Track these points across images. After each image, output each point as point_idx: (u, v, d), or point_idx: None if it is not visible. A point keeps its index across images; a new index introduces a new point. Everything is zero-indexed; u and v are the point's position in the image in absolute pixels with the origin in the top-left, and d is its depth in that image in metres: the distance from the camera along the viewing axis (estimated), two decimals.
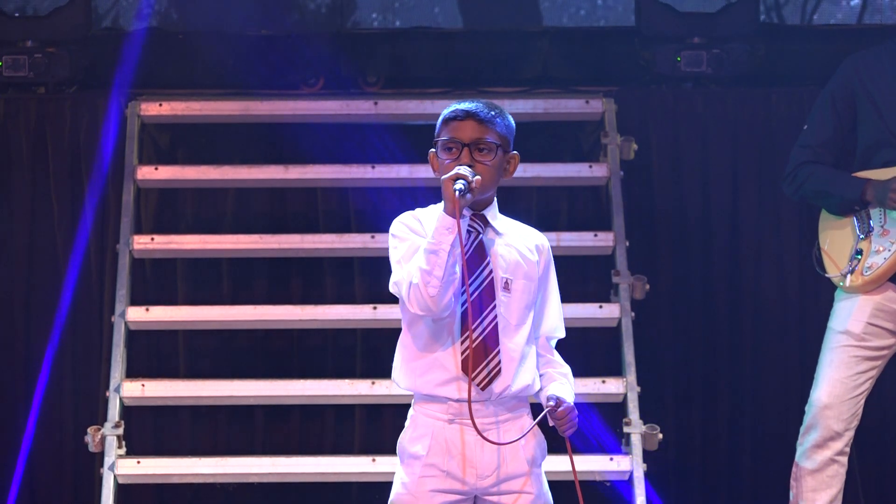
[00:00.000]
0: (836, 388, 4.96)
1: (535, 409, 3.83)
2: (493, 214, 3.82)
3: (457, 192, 3.61)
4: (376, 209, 6.47)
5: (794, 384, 6.28)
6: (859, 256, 5.00)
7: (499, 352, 3.72)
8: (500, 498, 3.75)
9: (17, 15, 6.67)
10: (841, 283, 5.04)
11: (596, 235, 6.19)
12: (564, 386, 3.82)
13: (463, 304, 3.70)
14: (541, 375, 3.84)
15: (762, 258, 6.43)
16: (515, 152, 3.83)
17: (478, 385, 3.69)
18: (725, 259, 6.44)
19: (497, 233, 3.81)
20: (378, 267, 6.39)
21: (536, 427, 3.78)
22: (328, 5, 7.99)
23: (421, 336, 3.73)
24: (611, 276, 6.13)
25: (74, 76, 6.50)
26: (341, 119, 6.43)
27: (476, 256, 3.75)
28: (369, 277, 6.40)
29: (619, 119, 6.37)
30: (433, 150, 3.81)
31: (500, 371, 3.71)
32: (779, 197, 6.25)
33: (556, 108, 6.41)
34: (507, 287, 3.76)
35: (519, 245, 3.82)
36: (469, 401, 3.64)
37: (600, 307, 6.07)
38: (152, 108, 6.37)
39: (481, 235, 3.78)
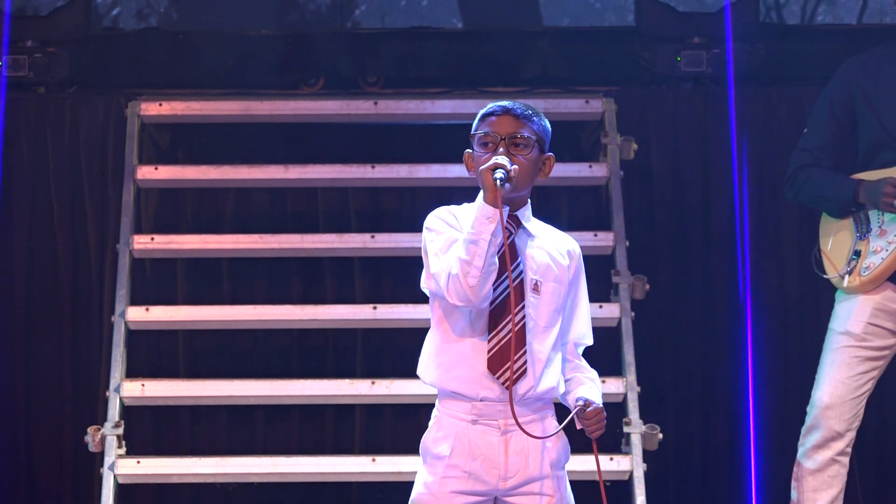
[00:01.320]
0: (838, 388, 4.96)
1: (559, 410, 3.83)
2: (527, 216, 3.82)
3: (497, 181, 3.61)
4: (376, 209, 6.47)
5: (795, 384, 6.28)
6: (857, 257, 5.00)
7: (525, 352, 3.72)
8: (522, 499, 3.75)
9: (29, 14, 6.67)
10: (840, 284, 5.04)
11: (596, 235, 6.19)
12: (592, 389, 3.83)
13: (493, 302, 3.70)
14: (568, 380, 3.84)
15: (762, 258, 6.43)
16: (551, 154, 3.84)
17: (503, 384, 3.69)
18: (725, 259, 6.43)
19: (529, 234, 3.81)
20: (378, 267, 6.40)
21: (561, 430, 3.79)
22: (328, 5, 7.99)
23: (451, 332, 3.73)
24: (611, 276, 6.13)
25: (74, 76, 6.50)
26: (341, 119, 6.43)
27: (509, 256, 3.74)
28: (369, 277, 6.40)
29: (619, 119, 6.37)
30: (468, 150, 3.81)
31: (525, 371, 3.71)
32: (779, 197, 6.25)
33: (556, 108, 6.41)
34: (536, 289, 3.76)
35: (550, 248, 3.82)
36: (511, 399, 3.64)
37: (600, 307, 6.07)
38: (152, 108, 6.37)
39: (514, 236, 3.78)
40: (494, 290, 3.69)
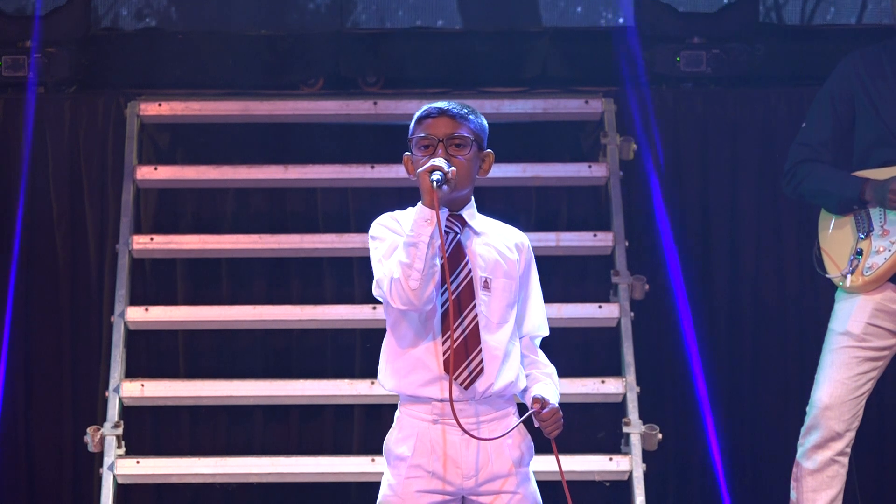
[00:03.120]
0: (837, 388, 4.96)
1: (522, 409, 3.83)
2: (471, 214, 3.84)
3: (433, 183, 3.63)
4: (376, 209, 6.46)
5: (794, 384, 6.27)
6: (859, 256, 4.99)
7: (480, 350, 3.73)
8: (487, 498, 3.76)
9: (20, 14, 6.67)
10: (841, 284, 5.03)
11: (595, 235, 6.19)
12: (549, 386, 3.83)
13: (444, 304, 3.71)
14: (527, 375, 3.84)
15: (762, 258, 6.43)
16: (490, 150, 3.85)
17: (461, 384, 3.70)
18: (725, 259, 6.43)
19: (476, 232, 3.82)
20: None
21: (523, 427, 3.79)
22: (328, 5, 7.98)
23: (404, 337, 3.76)
24: (610, 276, 6.13)
25: (74, 76, 6.50)
26: (341, 119, 6.43)
27: (454, 256, 3.75)
28: (369, 277, 6.33)
29: (619, 119, 6.37)
30: (407, 153, 3.83)
31: (482, 370, 3.72)
32: (779, 197, 6.25)
33: (555, 109, 6.41)
34: (486, 286, 3.77)
35: (498, 244, 3.84)
36: (451, 399, 3.65)
37: (600, 307, 6.07)
38: (152, 108, 6.37)
39: (459, 235, 3.79)
40: (442, 292, 3.71)
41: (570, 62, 6.67)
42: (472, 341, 3.72)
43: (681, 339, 6.37)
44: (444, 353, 3.71)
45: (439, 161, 3.68)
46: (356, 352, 6.35)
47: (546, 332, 3.92)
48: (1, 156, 6.36)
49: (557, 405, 3.74)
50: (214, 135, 6.54)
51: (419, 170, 3.69)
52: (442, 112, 3.78)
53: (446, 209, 3.73)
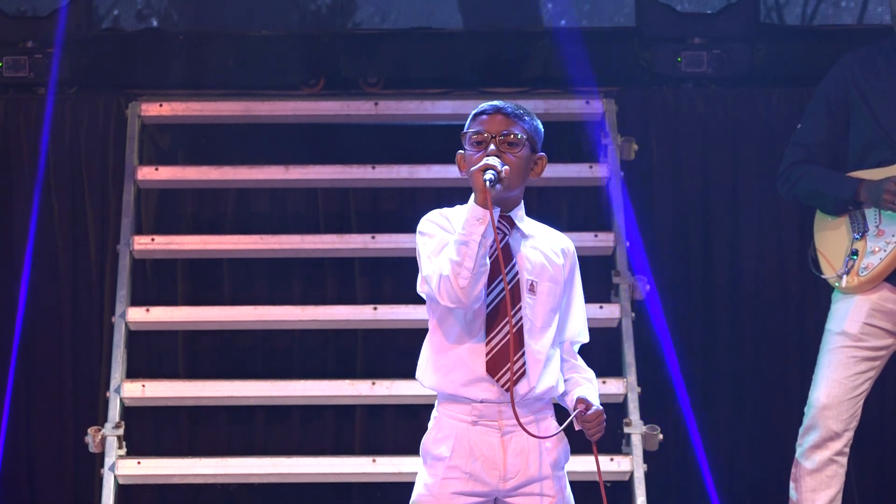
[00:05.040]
0: (835, 388, 4.96)
1: (559, 411, 3.83)
2: (520, 216, 3.81)
3: (487, 182, 3.60)
4: (377, 210, 6.47)
5: (794, 384, 6.27)
6: (855, 257, 4.99)
7: (523, 353, 3.72)
8: (522, 500, 3.75)
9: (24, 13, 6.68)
10: (837, 284, 5.03)
11: (596, 236, 6.19)
12: (590, 389, 3.83)
13: (489, 305, 3.70)
14: (566, 380, 3.84)
15: (762, 258, 6.43)
16: (543, 153, 3.82)
17: (502, 386, 3.69)
18: (725, 259, 6.43)
19: (524, 235, 3.80)
20: (379, 267, 6.40)
21: (561, 431, 3.79)
22: (328, 5, 7.99)
23: (449, 335, 3.73)
24: (611, 276, 6.13)
25: (74, 76, 6.50)
26: (342, 119, 6.43)
27: (503, 258, 3.74)
28: (370, 278, 6.40)
29: (620, 119, 6.37)
30: (461, 151, 3.81)
31: (524, 373, 3.71)
32: (779, 197, 6.24)
33: (556, 109, 6.41)
34: (532, 289, 3.76)
35: (545, 248, 3.82)
36: (512, 397, 3.64)
37: (601, 307, 6.07)
38: (152, 109, 6.37)
39: (508, 237, 3.77)
40: (489, 292, 3.70)
41: (570, 63, 6.67)
42: (516, 344, 3.70)
43: (680, 340, 6.37)
44: (487, 354, 3.70)
45: (492, 160, 3.65)
46: (357, 352, 6.36)
47: (586, 339, 3.91)
48: (2, 156, 6.36)
49: (601, 408, 3.74)
50: (215, 135, 6.54)
51: (473, 168, 3.66)
52: (497, 109, 3.76)
53: (498, 208, 3.70)
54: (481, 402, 3.71)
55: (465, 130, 3.79)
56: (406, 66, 6.68)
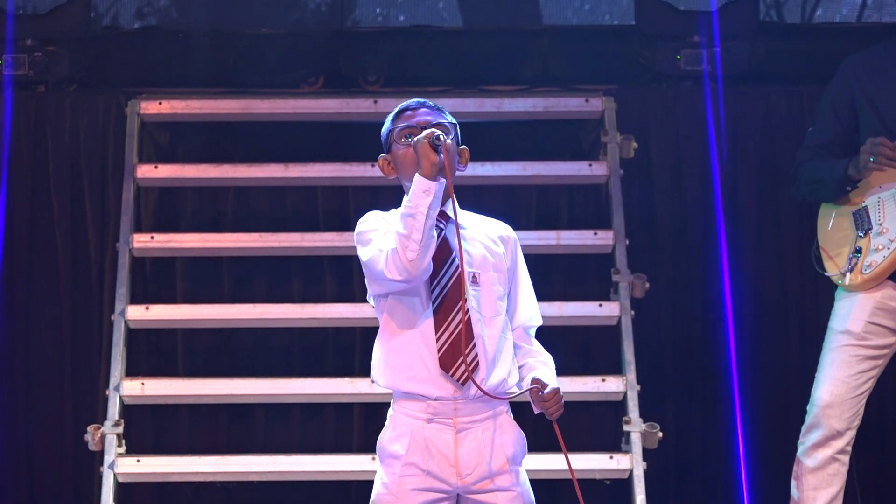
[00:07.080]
0: (838, 387, 4.96)
1: (516, 407, 3.84)
2: (453, 209, 3.82)
3: (437, 143, 3.64)
4: (376, 207, 6.45)
5: (795, 383, 6.28)
6: (858, 254, 5.00)
7: (474, 345, 3.72)
8: (482, 496, 3.77)
9: (20, 12, 6.66)
10: (840, 282, 5.04)
11: (596, 234, 6.19)
12: (546, 371, 3.83)
13: (434, 300, 3.71)
14: (521, 366, 3.86)
15: (762, 258, 6.43)
16: (465, 146, 3.87)
17: (457, 381, 3.70)
18: (726, 258, 6.43)
19: (460, 227, 3.80)
20: None
21: (516, 425, 3.80)
22: (328, 4, 8.00)
23: (398, 334, 3.76)
24: (611, 274, 6.13)
25: (74, 75, 6.50)
26: (341, 118, 6.43)
27: (441, 252, 3.75)
28: None
29: (619, 117, 6.37)
30: (383, 154, 3.83)
31: (477, 365, 3.72)
32: (779, 195, 6.25)
33: (556, 107, 6.41)
34: (475, 281, 3.78)
35: (483, 238, 3.85)
36: (473, 379, 3.64)
37: (600, 305, 6.07)
38: (152, 107, 6.37)
39: (444, 231, 3.78)
40: (433, 289, 3.70)
41: (570, 61, 6.67)
42: (465, 337, 3.71)
43: (682, 338, 6.37)
44: (439, 350, 3.71)
45: (435, 130, 3.71)
46: (356, 350, 6.36)
47: (539, 322, 3.92)
48: (1, 155, 6.36)
49: (557, 387, 3.74)
50: (215, 133, 6.54)
51: (416, 138, 3.70)
52: (421, 104, 3.85)
53: (444, 180, 3.70)
54: (436, 399, 3.72)
55: (390, 128, 3.82)
56: (405, 64, 6.68)
